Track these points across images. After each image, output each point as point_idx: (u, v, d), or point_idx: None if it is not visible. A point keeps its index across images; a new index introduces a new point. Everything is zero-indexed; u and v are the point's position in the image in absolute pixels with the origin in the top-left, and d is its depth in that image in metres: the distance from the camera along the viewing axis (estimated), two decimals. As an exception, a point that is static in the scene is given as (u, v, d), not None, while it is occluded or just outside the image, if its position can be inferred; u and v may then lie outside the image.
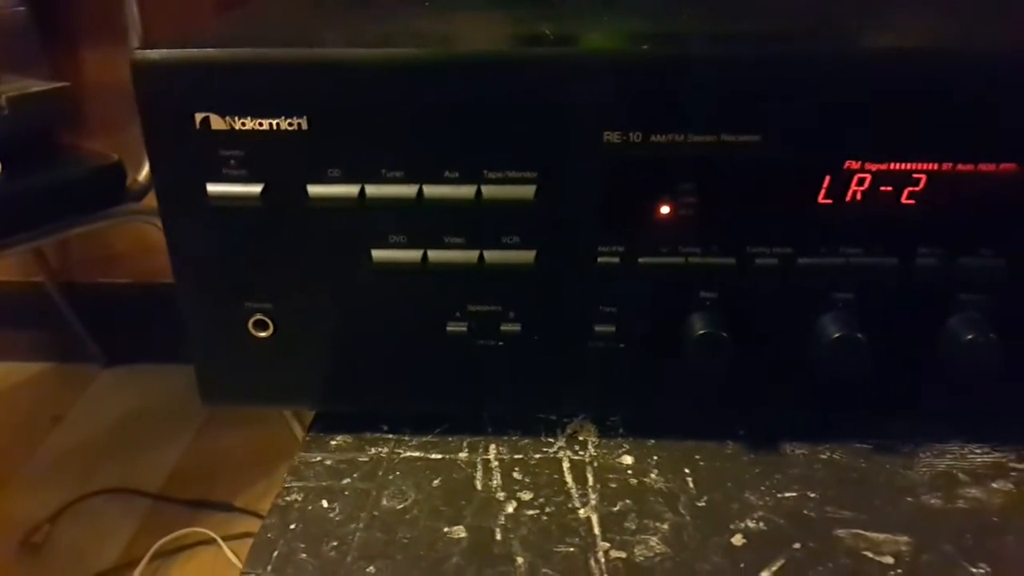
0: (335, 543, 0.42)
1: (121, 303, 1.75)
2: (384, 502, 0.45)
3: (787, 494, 0.45)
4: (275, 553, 0.42)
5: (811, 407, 0.48)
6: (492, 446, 0.49)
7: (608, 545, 0.42)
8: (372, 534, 0.43)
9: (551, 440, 0.49)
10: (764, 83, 0.40)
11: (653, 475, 0.47)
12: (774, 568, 0.40)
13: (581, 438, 0.50)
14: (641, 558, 0.41)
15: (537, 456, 0.48)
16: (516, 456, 0.48)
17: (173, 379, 1.75)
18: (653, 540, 0.42)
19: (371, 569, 0.40)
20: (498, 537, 0.42)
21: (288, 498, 0.45)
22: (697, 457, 0.48)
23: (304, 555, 0.41)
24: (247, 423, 1.58)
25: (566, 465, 0.47)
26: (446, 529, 0.43)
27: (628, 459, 0.48)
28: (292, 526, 0.43)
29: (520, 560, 0.41)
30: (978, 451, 0.48)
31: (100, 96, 1.39)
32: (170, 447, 1.65)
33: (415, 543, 0.42)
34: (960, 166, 0.41)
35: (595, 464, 0.47)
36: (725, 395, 0.47)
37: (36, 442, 1.72)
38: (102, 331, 1.82)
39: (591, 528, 0.43)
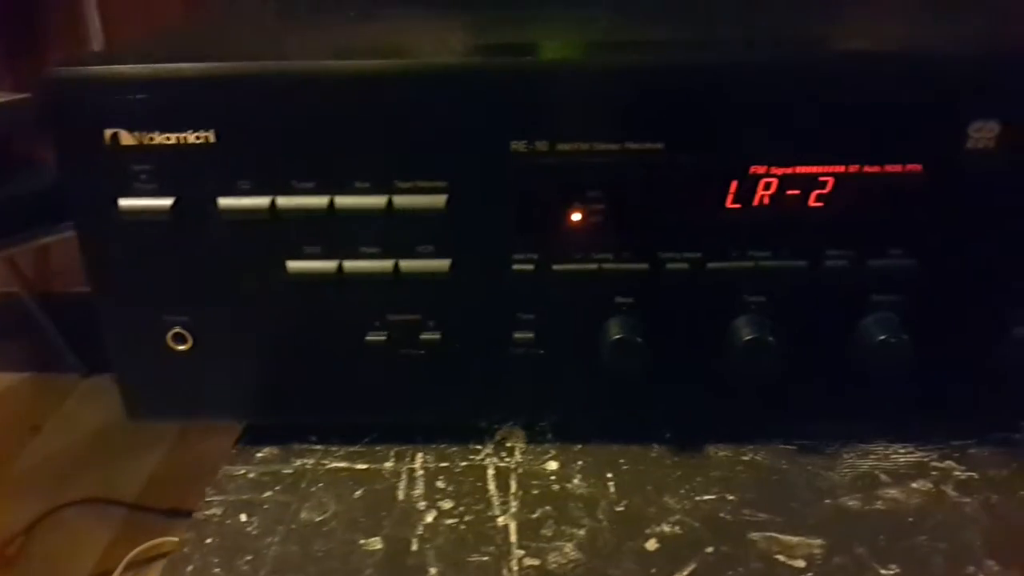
0: (249, 557, 0.42)
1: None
2: (303, 515, 0.45)
3: (706, 497, 0.45)
4: (189, 568, 0.42)
5: (730, 410, 0.48)
6: (420, 455, 0.49)
7: (523, 553, 0.42)
8: (287, 548, 0.43)
9: (479, 447, 0.49)
10: (665, 91, 0.40)
11: (576, 480, 0.47)
12: (684, 573, 0.40)
13: (509, 444, 0.50)
14: (554, 565, 0.41)
15: (463, 464, 0.48)
16: (442, 464, 0.48)
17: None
18: (568, 547, 0.42)
19: (283, 581, 0.41)
20: (414, 548, 0.42)
21: (207, 512, 0.45)
22: (622, 461, 0.48)
23: (218, 570, 0.42)
24: (223, 432, 1.58)
25: (491, 472, 0.47)
26: (362, 541, 0.43)
27: (553, 464, 0.48)
28: (208, 540, 0.43)
29: (433, 571, 0.41)
30: (902, 451, 0.48)
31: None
32: (147, 456, 1.65)
33: (329, 556, 0.42)
34: (866, 168, 0.41)
35: (520, 471, 0.47)
36: (646, 399, 0.47)
37: (14, 453, 1.72)
38: (81, 341, 1.81)
39: (508, 536, 0.43)
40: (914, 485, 0.46)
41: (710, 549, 0.42)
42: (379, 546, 0.42)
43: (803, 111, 0.41)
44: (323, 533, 0.43)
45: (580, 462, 0.48)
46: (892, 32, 0.48)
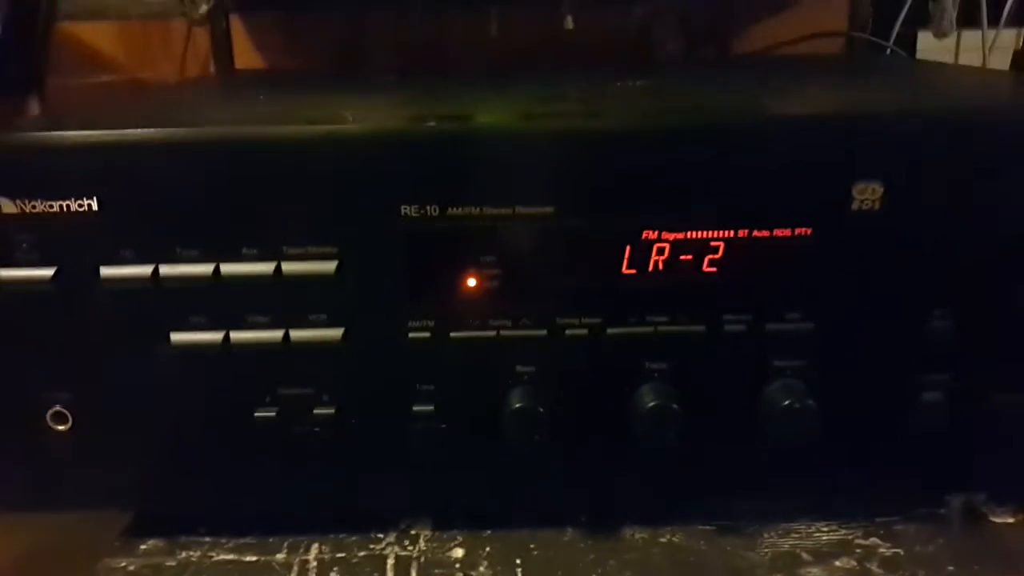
0: (115, 654, 0.38)
1: None
2: (182, 608, 0.41)
3: (618, 581, 0.42)
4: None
5: (640, 483, 0.46)
6: (315, 545, 0.46)
7: (415, 642, 0.38)
8: (158, 642, 0.39)
9: (380, 536, 0.47)
10: (554, 156, 0.41)
11: (482, 568, 0.44)
12: (589, 658, 0.37)
13: (413, 532, 0.47)
14: (447, 654, 0.38)
15: (362, 554, 0.45)
16: (339, 555, 0.45)
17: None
18: (465, 635, 0.39)
19: None
20: (297, 639, 0.39)
21: (77, 608, 0.41)
22: (532, 546, 0.45)
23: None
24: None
25: (391, 562, 0.44)
26: (241, 633, 0.39)
27: (459, 552, 0.45)
28: (73, 638, 0.39)
29: (314, 663, 0.37)
30: (824, 529, 0.46)
31: None
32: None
33: (203, 650, 0.38)
34: (756, 232, 0.42)
35: (422, 559, 0.44)
36: (553, 473, 0.45)
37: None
38: None
39: (401, 625, 0.39)
40: (837, 563, 0.43)
41: (618, 634, 0.39)
42: (258, 640, 0.39)
43: (690, 176, 0.41)
44: (199, 628, 0.40)
45: (488, 548, 0.45)
46: (778, 101, 0.49)
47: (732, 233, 0.41)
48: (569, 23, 0.91)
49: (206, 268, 0.41)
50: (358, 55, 1.04)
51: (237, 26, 1.35)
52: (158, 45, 1.23)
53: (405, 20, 1.04)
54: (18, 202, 0.40)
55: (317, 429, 0.44)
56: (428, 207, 0.40)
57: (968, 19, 0.90)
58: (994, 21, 0.90)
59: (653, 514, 0.47)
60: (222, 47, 1.00)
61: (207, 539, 0.47)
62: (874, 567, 0.43)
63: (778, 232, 0.41)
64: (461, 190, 0.40)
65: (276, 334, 0.42)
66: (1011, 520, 0.47)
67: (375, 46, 1.05)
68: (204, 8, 1.29)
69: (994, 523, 0.46)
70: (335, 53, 1.05)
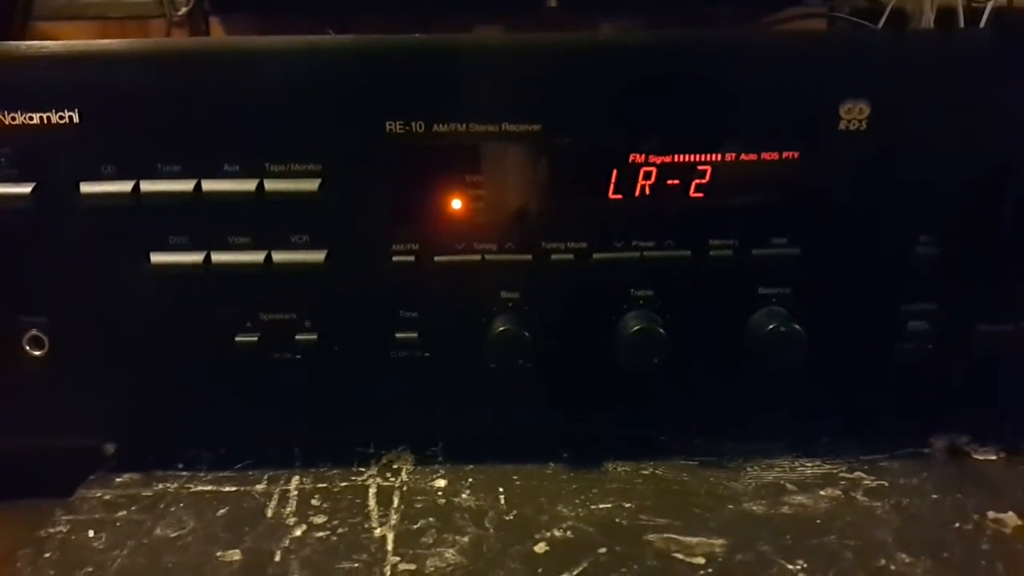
0: (90, 569, 0.37)
1: None
2: (158, 531, 0.40)
3: (601, 505, 0.42)
4: (16, 583, 0.37)
5: (623, 413, 0.45)
6: (296, 477, 0.45)
7: (398, 559, 0.38)
8: (135, 560, 0.38)
9: (362, 470, 0.46)
10: (542, 71, 0.41)
11: (464, 495, 0.43)
12: (575, 571, 0.37)
13: (396, 466, 0.46)
14: (432, 569, 0.37)
15: (343, 484, 0.44)
16: (320, 485, 0.44)
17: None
18: (449, 552, 0.38)
19: (121, 593, 0.36)
20: (277, 558, 0.38)
21: (51, 530, 0.40)
22: (515, 478, 0.45)
23: (50, 583, 0.37)
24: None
25: (372, 491, 0.44)
26: (219, 553, 0.38)
27: (441, 483, 0.44)
28: (47, 555, 0.38)
29: (295, 578, 0.36)
30: (808, 464, 0.46)
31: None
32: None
33: (180, 567, 0.38)
34: (743, 156, 0.41)
35: (404, 488, 0.44)
36: (535, 404, 0.45)
37: None
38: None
39: (384, 545, 0.39)
40: (822, 492, 0.43)
41: (603, 550, 0.38)
42: (237, 557, 0.38)
43: (679, 98, 0.41)
44: (176, 547, 0.39)
45: (470, 480, 0.45)
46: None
47: (719, 157, 0.41)
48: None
49: (187, 185, 0.40)
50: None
51: (216, 28, 1.35)
52: None
53: (387, 21, 1.04)
54: (-2, 114, 0.39)
55: (299, 356, 0.43)
56: (414, 123, 0.40)
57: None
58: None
59: (635, 450, 0.47)
60: None
61: (184, 473, 0.46)
62: (859, 495, 0.43)
63: (765, 155, 0.41)
64: (447, 105, 0.40)
65: (258, 256, 0.41)
66: (993, 457, 0.47)
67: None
68: (184, 9, 1.28)
69: (977, 460, 0.46)
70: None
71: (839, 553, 0.38)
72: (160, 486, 0.44)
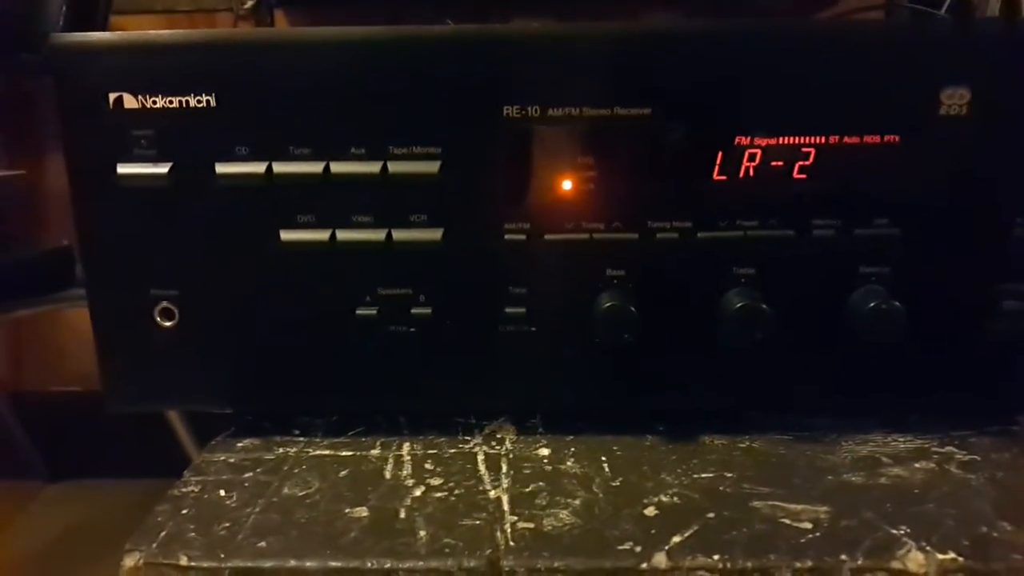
0: (227, 524, 0.40)
1: (68, 413, 1.70)
2: (285, 490, 0.43)
3: (704, 475, 0.44)
4: (162, 533, 0.39)
5: (723, 388, 0.47)
6: (407, 444, 0.47)
7: (516, 518, 0.40)
8: (268, 516, 0.41)
9: (468, 438, 0.48)
10: (653, 57, 0.42)
11: (569, 463, 0.45)
12: (687, 533, 0.39)
13: (499, 436, 0.48)
14: (549, 527, 0.39)
15: (452, 451, 0.47)
16: (430, 451, 0.47)
17: (118, 495, 1.68)
18: (564, 513, 0.40)
19: (262, 544, 0.38)
20: (402, 515, 0.40)
21: (184, 489, 0.43)
22: (615, 448, 0.47)
23: (193, 534, 0.39)
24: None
25: (480, 457, 0.46)
26: (347, 510, 0.41)
27: (545, 451, 0.47)
28: (184, 511, 0.41)
29: (423, 533, 0.39)
30: (901, 439, 0.47)
31: (57, 188, 1.40)
32: (111, 569, 1.56)
33: (312, 522, 0.40)
34: (847, 139, 0.43)
35: (511, 456, 0.46)
36: (638, 378, 0.47)
37: (-31, 561, 1.62)
38: (46, 444, 1.75)
39: (500, 505, 0.41)
40: (917, 465, 0.45)
41: (711, 514, 0.40)
42: (365, 514, 0.40)
43: (784, 82, 0.43)
44: (306, 504, 0.42)
45: (572, 449, 0.47)
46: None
47: (823, 140, 0.43)
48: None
49: (316, 167, 0.43)
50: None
51: (281, 20, 1.38)
52: None
53: (446, 13, 1.06)
54: (139, 97, 0.42)
55: (413, 329, 0.45)
56: (529, 107, 0.42)
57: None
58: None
59: (730, 425, 0.48)
60: None
61: (301, 439, 0.48)
62: (953, 468, 0.44)
63: (868, 139, 0.43)
64: (562, 91, 0.42)
65: (379, 234, 0.44)
66: (1084, 436, 0.47)
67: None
68: (250, 2, 1.31)
69: (1067, 438, 0.47)
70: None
71: (941, 520, 0.39)
72: (281, 450, 0.47)
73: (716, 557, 0.37)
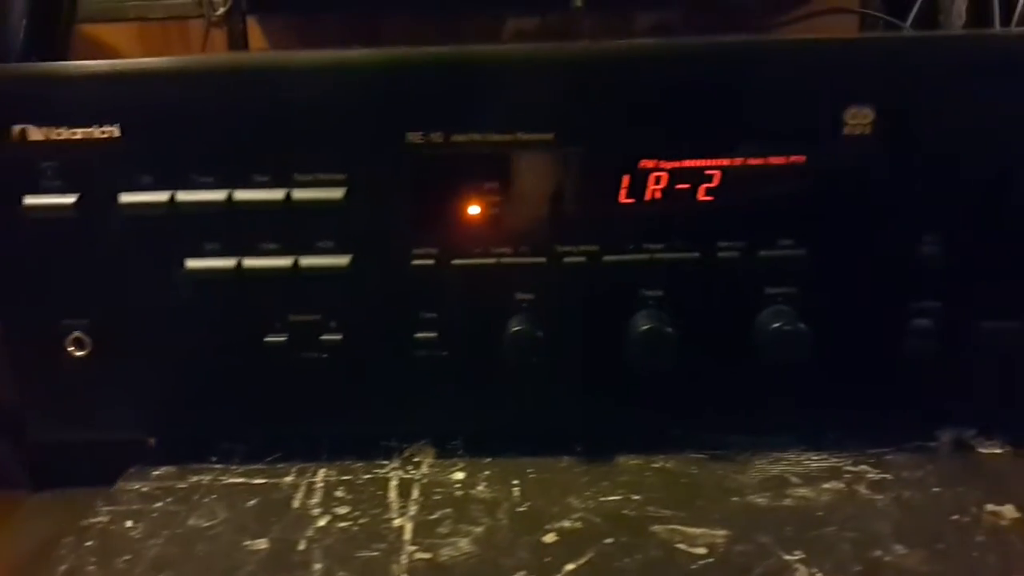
0: (128, 557, 0.40)
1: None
2: (191, 521, 0.43)
3: (611, 498, 0.44)
4: (62, 567, 0.39)
5: (631, 407, 0.47)
6: (323, 470, 0.48)
7: (415, 548, 0.40)
8: (168, 549, 0.41)
9: (385, 462, 0.48)
10: (554, 82, 0.42)
11: (480, 487, 0.45)
12: (581, 561, 0.39)
13: (417, 459, 0.48)
14: (446, 557, 0.39)
15: (367, 476, 0.47)
16: (344, 477, 0.47)
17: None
18: (463, 542, 0.40)
19: (158, 577, 0.38)
20: (301, 547, 0.40)
21: (92, 520, 0.43)
22: (530, 470, 0.47)
23: (93, 567, 0.39)
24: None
25: (394, 483, 0.46)
26: (248, 542, 0.41)
27: (459, 475, 0.47)
28: (88, 543, 0.41)
29: (318, 567, 0.39)
30: (815, 458, 0.47)
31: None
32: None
33: (211, 555, 0.40)
34: (751, 160, 0.43)
35: (424, 481, 0.46)
36: (550, 402, 0.47)
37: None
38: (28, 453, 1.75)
39: (402, 535, 0.41)
40: (825, 485, 0.45)
41: (609, 540, 0.40)
42: (264, 546, 0.41)
43: (687, 105, 0.43)
44: (208, 536, 0.42)
45: (487, 472, 0.47)
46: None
47: (728, 161, 0.43)
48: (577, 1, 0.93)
49: (220, 195, 0.43)
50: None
51: (254, 27, 1.38)
52: (176, 46, 1.26)
53: (420, 21, 1.07)
54: (44, 129, 0.42)
55: (325, 355, 0.45)
56: (432, 134, 0.42)
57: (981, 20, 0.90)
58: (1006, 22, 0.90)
59: (647, 443, 0.48)
60: (239, 47, 1.04)
61: (218, 465, 0.48)
62: (862, 488, 0.44)
63: (772, 160, 0.43)
64: (464, 116, 0.42)
65: (286, 261, 0.44)
66: (999, 451, 0.48)
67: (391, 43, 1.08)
68: (222, 10, 1.32)
69: (982, 453, 0.47)
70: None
71: (837, 544, 0.39)
72: (195, 478, 0.47)
73: (606, 586, 0.37)
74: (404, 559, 0.39)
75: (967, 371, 0.46)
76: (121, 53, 1.24)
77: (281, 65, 0.42)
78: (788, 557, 0.38)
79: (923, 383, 0.46)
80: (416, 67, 0.42)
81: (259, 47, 1.13)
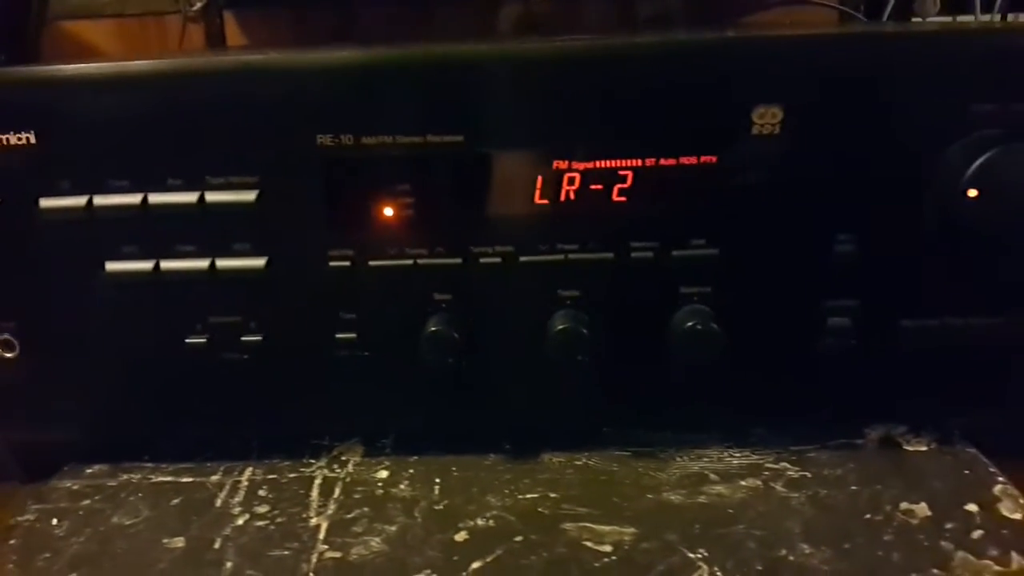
0: (48, 555, 0.41)
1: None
2: (114, 520, 0.44)
3: (529, 495, 0.44)
4: (-21, 567, 0.40)
5: (552, 407, 0.47)
6: (250, 469, 0.48)
7: (327, 547, 0.41)
8: (88, 546, 0.41)
9: (312, 461, 0.49)
10: (462, 84, 0.42)
11: (402, 486, 0.46)
12: (488, 559, 0.39)
13: (344, 458, 0.49)
14: (355, 556, 0.40)
15: (292, 475, 0.47)
16: (270, 476, 0.47)
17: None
18: (375, 541, 0.41)
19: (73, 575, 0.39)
20: (216, 546, 0.41)
21: (19, 518, 0.44)
22: (454, 468, 0.47)
23: (12, 565, 0.40)
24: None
25: (317, 482, 0.46)
26: (166, 540, 0.42)
27: (384, 474, 0.47)
28: (12, 542, 0.42)
29: (229, 564, 0.40)
30: (737, 455, 0.48)
31: None
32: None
33: (128, 553, 0.41)
34: (663, 161, 0.43)
35: (348, 480, 0.47)
36: (469, 401, 0.47)
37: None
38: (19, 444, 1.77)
39: (316, 534, 0.42)
40: (743, 483, 0.45)
41: (519, 538, 0.40)
42: (180, 544, 0.41)
43: (599, 104, 0.43)
44: (128, 534, 0.42)
45: (412, 471, 0.47)
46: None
47: (640, 162, 0.43)
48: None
49: (135, 199, 0.43)
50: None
51: (231, 21, 1.38)
52: (154, 41, 1.26)
53: (395, 13, 1.06)
54: (-41, 137, 0.43)
55: (246, 356, 0.46)
56: (343, 136, 0.42)
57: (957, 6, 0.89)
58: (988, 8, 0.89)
59: (575, 441, 0.49)
60: (216, 42, 1.04)
61: (149, 464, 0.49)
62: (778, 486, 0.44)
63: (684, 160, 0.43)
64: (374, 119, 0.42)
65: (203, 263, 0.44)
66: (924, 448, 0.48)
67: (366, 39, 1.07)
68: (199, 4, 1.32)
69: (907, 451, 0.48)
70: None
71: (743, 543, 0.40)
72: (125, 476, 0.48)
73: (506, 584, 0.37)
74: (314, 558, 0.40)
75: (888, 369, 0.46)
76: (99, 50, 1.25)
77: (192, 70, 0.43)
78: (692, 555, 0.39)
79: (844, 381, 0.46)
80: (325, 71, 0.43)
81: (237, 42, 1.13)
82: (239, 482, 0.47)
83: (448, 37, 0.97)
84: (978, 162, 0.39)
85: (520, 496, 0.44)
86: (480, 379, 0.46)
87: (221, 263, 0.44)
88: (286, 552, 0.40)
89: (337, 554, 0.40)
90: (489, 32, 0.97)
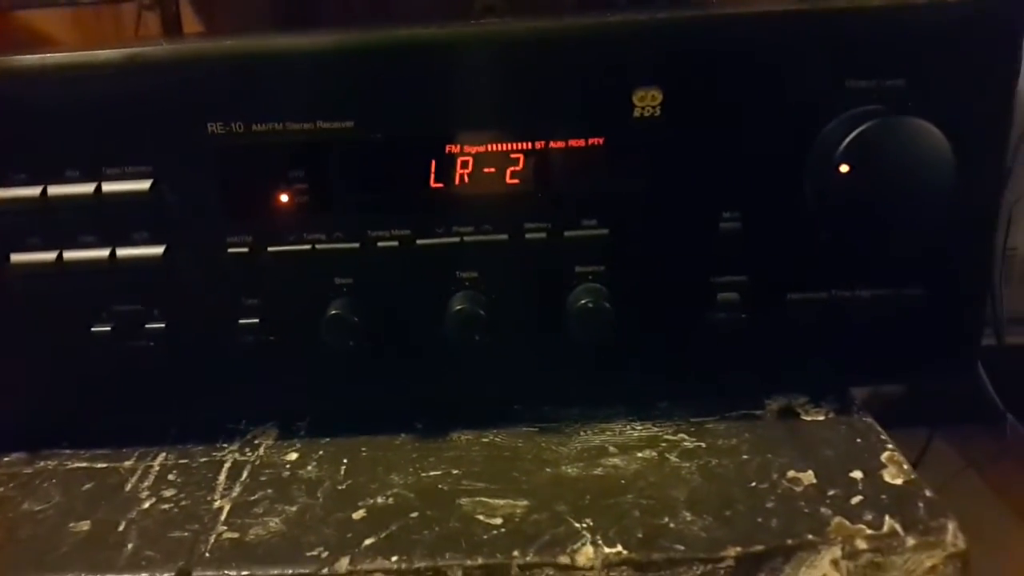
0: (-49, 545, 0.42)
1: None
2: (25, 506, 0.45)
3: (432, 473, 0.45)
4: None
5: (454, 386, 0.49)
6: (163, 454, 0.49)
7: (225, 528, 0.42)
8: (-6, 533, 0.42)
9: (224, 446, 0.50)
10: (351, 69, 0.43)
11: (310, 467, 0.47)
12: (382, 535, 0.40)
13: (257, 442, 0.50)
14: (252, 537, 0.41)
15: (203, 460, 0.48)
16: (182, 461, 0.48)
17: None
18: (274, 521, 0.42)
19: (-27, 563, 0.40)
20: (120, 529, 0.42)
21: (-72, 510, 0.45)
22: (363, 449, 0.48)
23: (-86, 556, 0.41)
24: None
25: (227, 466, 0.47)
26: (71, 525, 0.43)
27: (293, 456, 0.48)
28: (-84, 534, 0.43)
29: (130, 546, 0.41)
30: (639, 427, 0.49)
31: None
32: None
33: (33, 538, 0.42)
34: (552, 143, 0.44)
35: (257, 463, 0.48)
36: (374, 382, 0.48)
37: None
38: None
39: (218, 516, 0.43)
40: (639, 455, 0.46)
41: (415, 514, 0.42)
42: (86, 528, 0.42)
43: (489, 88, 0.43)
44: (37, 520, 0.43)
45: (321, 452, 0.48)
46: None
47: (530, 145, 0.44)
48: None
49: (34, 191, 0.44)
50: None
51: (186, 9, 1.37)
52: (110, 29, 1.25)
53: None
54: None
55: (151, 344, 0.47)
56: (234, 124, 0.43)
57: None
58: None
59: (486, 419, 0.50)
60: (172, 29, 1.03)
61: (67, 451, 0.50)
62: (672, 457, 0.46)
63: (573, 142, 0.44)
64: (263, 106, 0.43)
65: (103, 253, 0.45)
66: (821, 417, 0.49)
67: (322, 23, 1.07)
68: (155, -8, 1.29)
69: (805, 420, 0.49)
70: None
71: (628, 512, 0.41)
72: (41, 464, 0.49)
73: (394, 559, 0.39)
74: (212, 538, 0.41)
75: (778, 341, 0.47)
76: (56, 40, 1.24)
77: (84, 61, 0.43)
78: (577, 525, 0.40)
79: (737, 354, 0.48)
80: (212, 59, 0.43)
81: (193, 29, 1.13)
82: (151, 467, 0.48)
83: (408, 20, 0.98)
84: (848, 138, 0.40)
85: (423, 474, 0.45)
86: (383, 360, 0.47)
87: (121, 252, 0.45)
88: (186, 533, 0.41)
89: (235, 535, 0.41)
90: (458, 14, 0.97)
